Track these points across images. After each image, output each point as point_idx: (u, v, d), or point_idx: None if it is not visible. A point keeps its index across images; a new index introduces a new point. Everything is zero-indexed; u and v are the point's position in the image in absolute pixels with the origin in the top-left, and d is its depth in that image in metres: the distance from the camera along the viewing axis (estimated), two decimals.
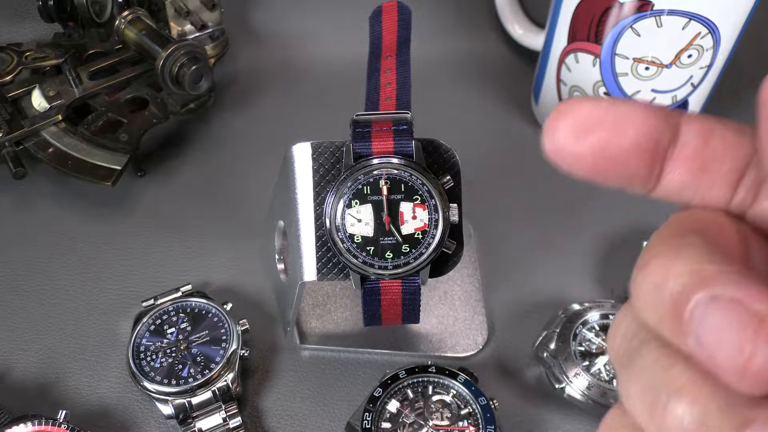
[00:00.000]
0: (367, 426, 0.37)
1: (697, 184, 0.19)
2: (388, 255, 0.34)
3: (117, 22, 0.51)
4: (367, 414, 0.37)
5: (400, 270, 0.34)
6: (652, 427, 0.17)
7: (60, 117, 0.48)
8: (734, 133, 0.19)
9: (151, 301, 0.42)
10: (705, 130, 0.19)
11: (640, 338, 0.18)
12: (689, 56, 0.46)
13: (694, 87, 0.48)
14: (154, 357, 0.39)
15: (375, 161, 0.34)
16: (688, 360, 0.17)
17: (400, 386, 0.39)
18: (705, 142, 0.19)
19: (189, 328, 0.40)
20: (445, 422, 0.38)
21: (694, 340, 0.16)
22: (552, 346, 0.40)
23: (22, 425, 0.36)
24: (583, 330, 0.41)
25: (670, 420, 0.16)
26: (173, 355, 0.39)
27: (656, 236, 0.18)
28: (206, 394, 0.38)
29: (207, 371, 0.38)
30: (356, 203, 0.34)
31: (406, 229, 0.34)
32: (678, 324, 0.16)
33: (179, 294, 0.42)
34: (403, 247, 0.34)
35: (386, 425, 0.37)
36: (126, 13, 0.51)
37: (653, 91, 0.48)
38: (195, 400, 0.38)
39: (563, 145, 0.18)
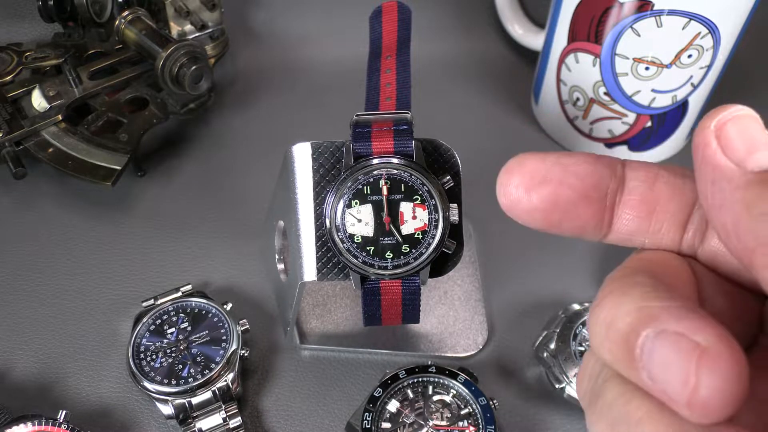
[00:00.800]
0: (367, 426, 0.37)
1: (646, 227, 0.20)
2: (388, 255, 0.34)
3: (117, 22, 0.51)
4: (367, 414, 0.37)
5: (400, 270, 0.34)
6: None
7: (60, 117, 0.48)
8: (678, 177, 0.20)
9: (151, 301, 0.42)
10: (650, 176, 0.20)
11: (604, 376, 0.19)
12: (689, 56, 0.46)
13: (694, 87, 0.48)
14: (154, 357, 0.39)
15: (375, 161, 0.34)
16: (646, 393, 0.17)
17: (400, 386, 0.39)
18: (650, 188, 0.20)
19: (189, 328, 0.40)
20: (445, 422, 0.38)
21: (646, 375, 0.16)
22: (552, 346, 0.40)
23: (22, 425, 0.36)
24: (583, 330, 0.41)
25: None
26: (173, 355, 0.39)
27: (608, 278, 0.19)
28: (206, 394, 0.38)
29: (207, 371, 0.38)
30: (356, 203, 0.34)
31: (406, 229, 0.34)
32: (631, 360, 0.17)
33: (179, 294, 0.42)
34: (403, 247, 0.34)
35: (386, 425, 0.37)
36: (126, 13, 0.51)
37: (653, 91, 0.48)
38: (195, 400, 0.38)
39: (516, 199, 0.19)
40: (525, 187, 0.19)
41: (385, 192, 0.34)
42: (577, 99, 0.51)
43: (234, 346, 0.39)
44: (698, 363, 0.15)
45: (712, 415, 0.15)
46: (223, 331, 0.40)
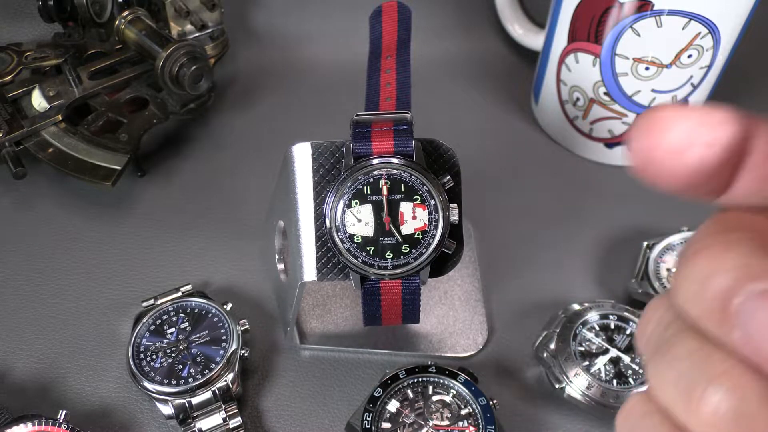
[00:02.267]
0: (367, 426, 0.37)
1: (763, 188, 0.19)
2: (388, 255, 0.34)
3: (117, 22, 0.51)
4: (367, 414, 0.37)
5: (400, 270, 0.34)
6: (686, 414, 0.17)
7: (60, 117, 0.48)
8: None
9: (151, 301, 0.42)
10: None
11: (677, 327, 0.18)
12: (689, 56, 0.46)
13: (694, 87, 0.48)
14: (154, 357, 0.39)
15: (375, 161, 0.34)
16: (727, 351, 0.17)
17: (400, 386, 0.39)
18: None
19: (189, 328, 0.40)
20: (445, 422, 0.38)
21: (741, 333, 0.16)
22: (552, 346, 0.40)
23: (22, 425, 0.36)
24: (583, 330, 0.41)
25: (706, 407, 0.17)
26: (173, 355, 0.39)
27: (701, 231, 0.18)
28: (206, 394, 0.38)
29: (207, 371, 0.38)
30: (356, 203, 0.34)
31: (406, 229, 0.34)
32: (723, 316, 0.16)
33: (179, 294, 0.42)
34: (403, 247, 0.34)
35: (386, 425, 0.37)
36: (126, 13, 0.51)
37: (653, 91, 0.48)
38: (195, 400, 0.38)
39: (664, 160, 0.18)
40: (676, 149, 0.18)
41: (385, 192, 0.34)
42: (577, 99, 0.51)
43: (234, 346, 0.39)
44: None
45: None
46: (223, 331, 0.40)
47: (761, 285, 0.16)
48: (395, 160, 0.34)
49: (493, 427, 0.37)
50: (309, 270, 0.35)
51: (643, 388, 0.19)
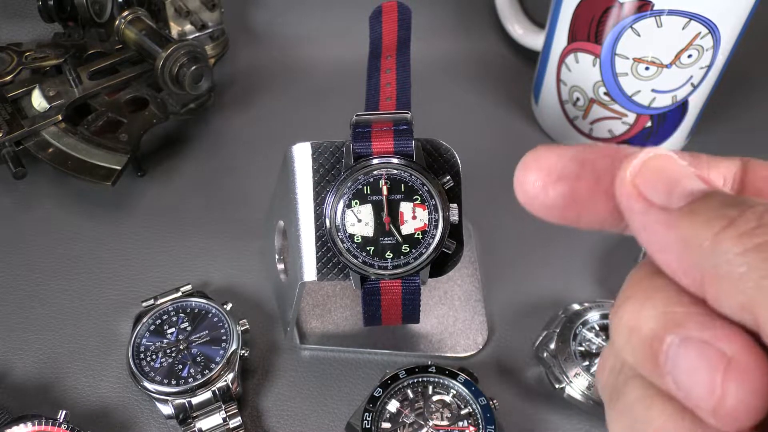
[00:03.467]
0: (367, 426, 0.37)
1: None
2: (388, 255, 0.34)
3: (117, 22, 0.51)
4: (367, 414, 0.37)
5: (400, 270, 0.34)
6: None
7: (60, 117, 0.48)
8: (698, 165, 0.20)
9: (151, 301, 0.42)
10: None
11: (625, 375, 0.18)
12: (689, 56, 0.46)
13: (694, 87, 0.48)
14: (154, 357, 0.39)
15: (375, 161, 0.34)
16: (667, 398, 0.17)
17: (400, 386, 0.39)
18: None
19: (189, 328, 0.40)
20: (445, 422, 0.38)
21: (671, 380, 0.16)
22: (552, 346, 0.40)
23: (22, 425, 0.36)
24: (583, 330, 0.41)
25: None
26: (173, 355, 0.39)
27: (629, 279, 0.19)
28: (206, 394, 0.38)
29: (207, 371, 0.38)
30: (356, 203, 0.34)
31: (406, 229, 0.34)
32: (654, 365, 0.17)
33: (179, 294, 0.42)
34: (403, 247, 0.34)
35: (386, 425, 0.37)
36: (126, 13, 0.51)
37: (653, 91, 0.48)
38: (195, 400, 0.38)
39: (533, 196, 0.19)
40: (542, 184, 0.19)
41: (385, 192, 0.34)
42: (577, 99, 0.51)
43: (234, 346, 0.39)
44: (725, 374, 0.15)
45: (737, 423, 0.15)
46: (223, 331, 0.40)
47: (683, 332, 0.16)
48: (395, 160, 0.34)
49: (493, 427, 0.37)
50: (309, 270, 0.35)
51: None
